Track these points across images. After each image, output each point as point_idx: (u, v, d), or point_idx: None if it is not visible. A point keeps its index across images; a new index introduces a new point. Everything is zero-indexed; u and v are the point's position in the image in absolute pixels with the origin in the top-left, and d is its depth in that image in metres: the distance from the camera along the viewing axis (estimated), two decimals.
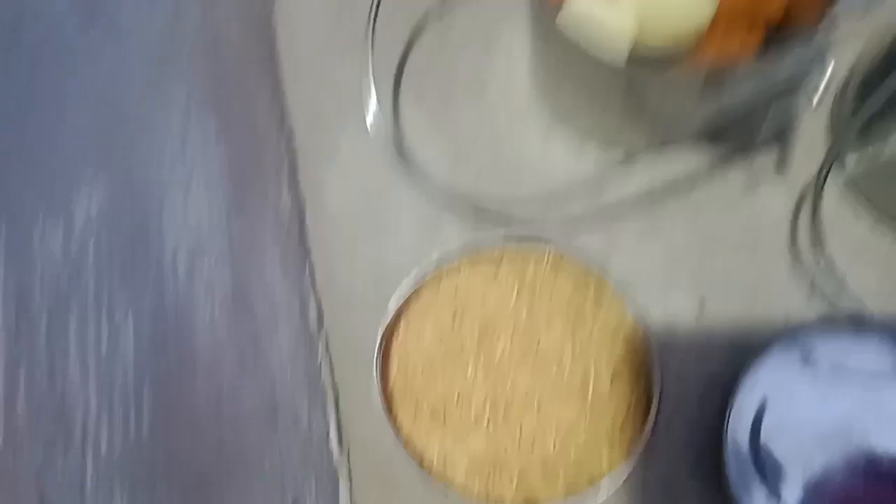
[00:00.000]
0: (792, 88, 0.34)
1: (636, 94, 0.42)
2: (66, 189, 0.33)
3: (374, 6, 0.49)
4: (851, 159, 0.46)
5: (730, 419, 0.42)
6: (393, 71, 0.54)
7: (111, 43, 0.38)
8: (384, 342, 0.44)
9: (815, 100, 0.35)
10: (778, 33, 0.40)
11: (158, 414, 0.33)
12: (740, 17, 0.41)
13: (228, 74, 0.48)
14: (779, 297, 0.47)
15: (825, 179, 0.42)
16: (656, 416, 0.44)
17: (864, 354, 0.45)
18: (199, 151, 0.42)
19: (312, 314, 0.47)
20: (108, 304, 0.32)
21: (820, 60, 0.33)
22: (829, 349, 0.45)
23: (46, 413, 0.29)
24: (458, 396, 0.43)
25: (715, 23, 0.41)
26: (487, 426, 0.43)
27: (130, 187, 0.36)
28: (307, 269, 0.49)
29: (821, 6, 0.36)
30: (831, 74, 0.34)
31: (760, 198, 0.49)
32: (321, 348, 0.47)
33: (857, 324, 0.44)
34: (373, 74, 0.49)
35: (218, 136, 0.44)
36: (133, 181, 0.37)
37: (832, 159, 0.41)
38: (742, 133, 0.49)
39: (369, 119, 0.50)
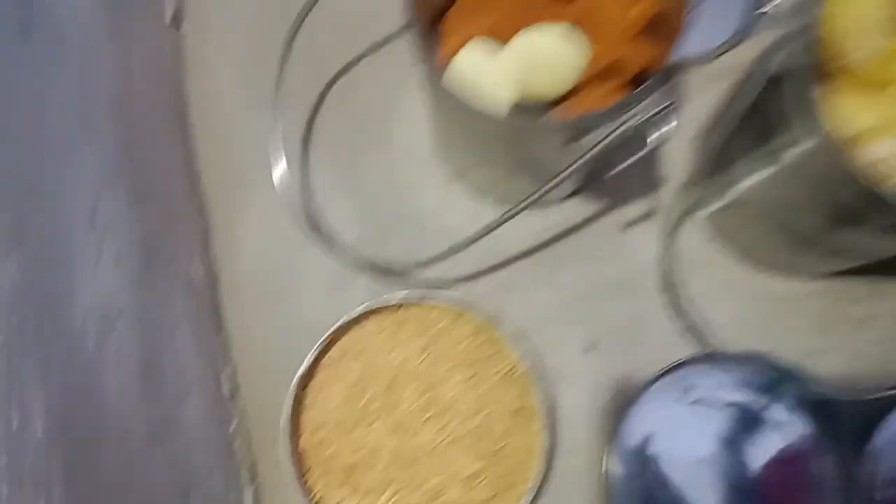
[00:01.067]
0: (640, 134, 0.34)
1: (520, 147, 0.41)
2: None
3: (279, 72, 0.47)
4: (713, 204, 0.47)
5: (615, 451, 0.43)
6: (301, 130, 0.52)
7: (26, 109, 0.34)
8: (295, 407, 0.42)
9: (651, 139, 0.35)
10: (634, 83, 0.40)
11: (69, 495, 0.31)
12: (607, 72, 0.41)
13: (141, 141, 0.45)
14: (657, 336, 0.48)
15: (676, 225, 0.42)
16: (551, 454, 0.44)
17: (733, 386, 0.45)
18: (109, 222, 0.39)
19: (226, 381, 0.45)
20: (21, 383, 0.30)
21: (660, 108, 0.33)
22: (704, 383, 0.46)
23: None
24: (368, 455, 0.42)
25: (586, 76, 0.41)
26: (395, 483, 0.41)
27: (42, 261, 0.33)
28: (221, 336, 0.47)
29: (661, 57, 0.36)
30: (669, 126, 0.34)
31: (635, 243, 0.49)
32: (235, 416, 0.45)
33: (724, 360, 0.45)
34: (282, 138, 0.47)
35: (129, 205, 0.41)
36: (45, 254, 0.33)
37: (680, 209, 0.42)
38: (614, 184, 0.49)
39: (278, 182, 0.48)
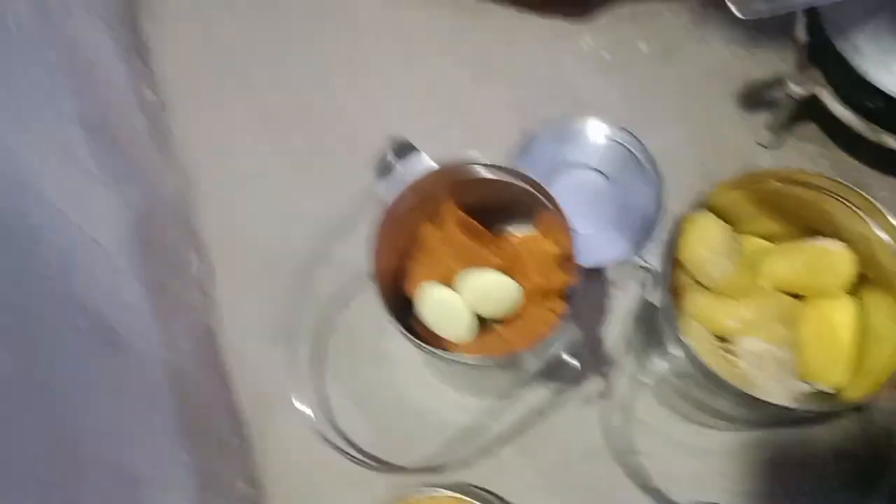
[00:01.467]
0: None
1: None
2: None
3: (293, 313, 0.58)
4: (650, 380, 0.56)
5: None
6: (315, 356, 0.63)
7: (104, 402, 0.45)
8: None
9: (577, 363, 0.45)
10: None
11: None
12: (541, 293, 0.52)
13: (192, 394, 0.55)
14: (626, 497, 0.55)
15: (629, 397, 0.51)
16: None
17: None
18: (172, 469, 0.48)
19: None
20: None
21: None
22: None
23: None
24: None
25: (526, 299, 0.52)
26: None
27: None
28: None
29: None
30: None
31: (597, 415, 0.58)
32: None
33: None
34: (298, 367, 0.57)
35: (186, 449, 0.51)
36: None
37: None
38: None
39: (299, 403, 0.58)
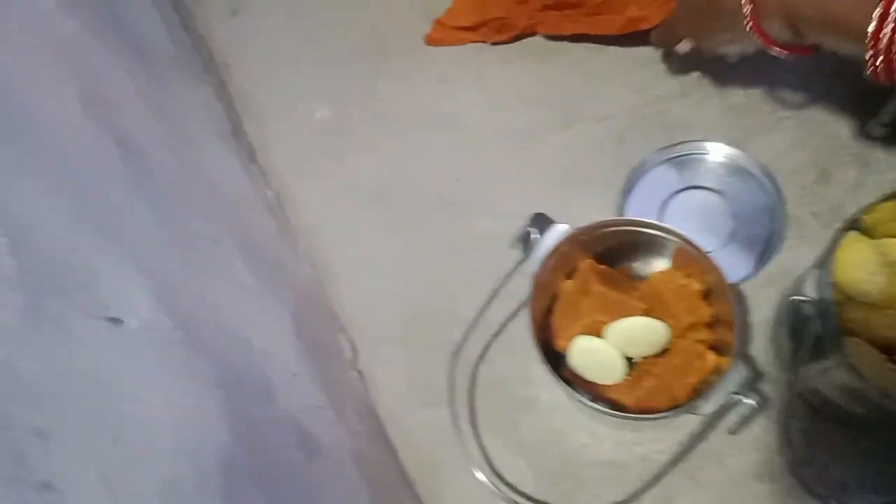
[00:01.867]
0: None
1: None
2: None
3: (448, 379, 0.61)
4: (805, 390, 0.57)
5: None
6: (467, 411, 0.65)
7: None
8: None
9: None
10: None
11: None
12: (689, 328, 0.53)
13: (368, 462, 0.59)
14: None
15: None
16: None
17: None
18: None
19: None
20: None
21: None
22: None
23: None
24: None
25: (674, 335, 0.53)
26: None
27: None
28: None
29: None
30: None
31: (754, 430, 0.58)
32: None
33: None
34: (458, 425, 0.60)
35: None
36: None
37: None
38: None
39: (464, 457, 0.61)
